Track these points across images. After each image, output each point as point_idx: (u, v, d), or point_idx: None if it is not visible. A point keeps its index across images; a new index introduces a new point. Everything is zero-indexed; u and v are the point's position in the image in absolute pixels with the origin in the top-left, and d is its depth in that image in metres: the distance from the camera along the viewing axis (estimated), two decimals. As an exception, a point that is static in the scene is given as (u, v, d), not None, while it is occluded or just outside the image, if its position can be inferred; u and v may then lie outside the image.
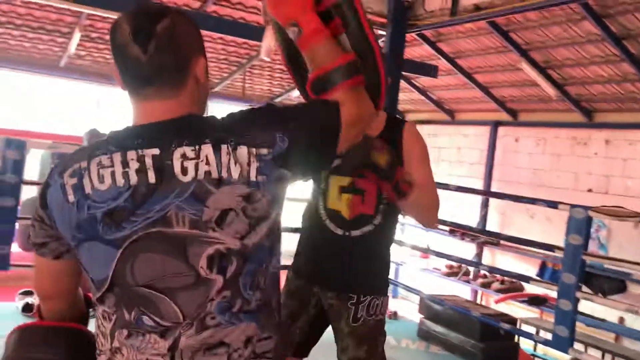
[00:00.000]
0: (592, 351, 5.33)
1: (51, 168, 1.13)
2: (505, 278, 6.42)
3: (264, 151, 1.06)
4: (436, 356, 4.43)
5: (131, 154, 1.05)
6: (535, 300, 6.02)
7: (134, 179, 1.04)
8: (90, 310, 1.27)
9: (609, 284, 5.66)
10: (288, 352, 2.02)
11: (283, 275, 1.42)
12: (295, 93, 8.15)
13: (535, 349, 5.91)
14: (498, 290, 6.50)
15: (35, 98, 12.99)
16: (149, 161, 1.04)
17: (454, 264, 6.97)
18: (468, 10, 5.33)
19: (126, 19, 1.08)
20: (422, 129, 8.37)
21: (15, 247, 4.63)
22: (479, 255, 7.44)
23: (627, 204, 4.41)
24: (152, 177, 1.04)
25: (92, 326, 1.21)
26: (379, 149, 1.74)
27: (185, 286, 1.05)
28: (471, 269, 7.08)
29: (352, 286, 1.99)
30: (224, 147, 1.05)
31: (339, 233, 1.98)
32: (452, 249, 6.60)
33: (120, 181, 1.04)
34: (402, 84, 6.87)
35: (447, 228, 7.10)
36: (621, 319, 5.95)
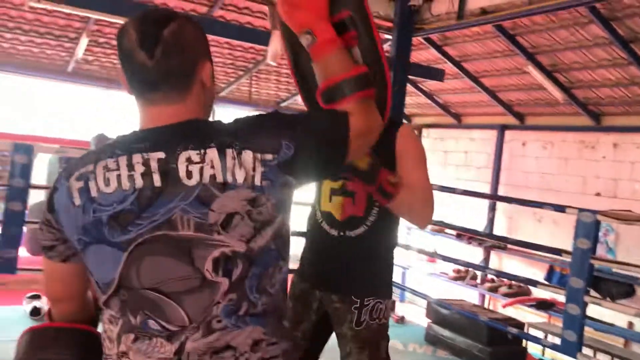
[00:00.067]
0: (600, 356, 5.30)
1: (59, 172, 1.14)
2: (513, 282, 6.39)
3: (269, 157, 1.07)
4: (443, 361, 4.42)
5: (137, 158, 1.05)
6: (543, 305, 5.99)
7: (139, 182, 1.05)
8: (99, 314, 1.28)
9: (618, 288, 5.63)
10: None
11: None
12: (302, 97, 8.15)
13: (543, 354, 5.88)
14: (505, 295, 6.47)
15: (37, 100, 13.06)
16: (154, 165, 1.05)
17: (461, 268, 6.95)
18: (474, 14, 5.32)
19: (133, 25, 1.09)
20: (429, 133, 8.36)
21: (22, 251, 4.64)
22: (486, 259, 7.41)
23: (636, 208, 4.39)
24: (157, 181, 1.04)
25: (101, 329, 1.22)
26: None
27: (191, 289, 1.05)
28: (478, 273, 7.05)
29: (352, 288, 1.99)
30: (229, 151, 1.05)
31: (334, 234, 2.00)
32: (459, 253, 6.58)
33: (125, 184, 1.05)
34: (409, 87, 6.87)
35: (454, 232, 7.10)
36: (630, 324, 5.91)
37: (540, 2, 4.77)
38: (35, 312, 4.29)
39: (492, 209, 7.46)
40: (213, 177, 1.04)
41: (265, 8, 5.45)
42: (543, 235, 6.43)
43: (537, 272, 6.49)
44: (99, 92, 8.81)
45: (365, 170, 1.74)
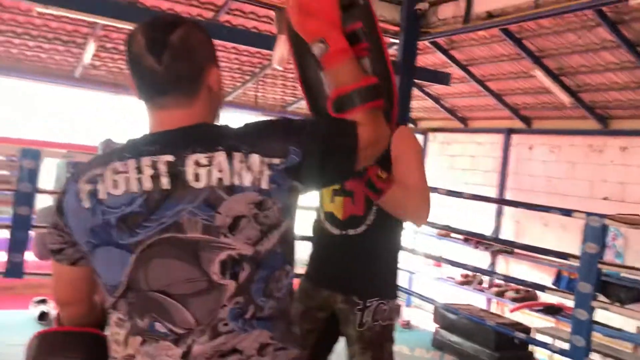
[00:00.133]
0: (609, 361, 5.25)
1: (68, 176, 1.15)
2: (520, 287, 6.36)
3: (276, 161, 1.08)
4: (450, 366, 4.40)
5: (145, 161, 1.07)
6: (551, 310, 5.95)
7: (147, 185, 1.06)
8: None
9: (626, 293, 5.58)
10: None
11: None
12: (308, 102, 8.15)
13: (551, 359, 5.84)
14: (513, 299, 6.44)
15: (45, 105, 13.14)
16: (162, 167, 1.06)
17: (468, 272, 6.92)
18: (481, 17, 5.32)
19: (141, 30, 1.11)
20: (435, 137, 8.35)
21: (30, 256, 4.66)
22: (493, 263, 7.38)
23: (644, 212, 4.35)
24: (165, 184, 1.06)
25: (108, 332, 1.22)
26: None
27: (198, 292, 1.06)
28: (485, 277, 7.02)
29: (355, 288, 2.00)
30: (236, 154, 1.06)
31: (336, 233, 2.03)
32: (466, 257, 6.55)
33: (134, 187, 1.06)
34: (415, 91, 6.86)
35: (461, 237, 7.07)
36: (639, 329, 5.86)
37: (547, 5, 4.76)
38: (42, 316, 4.30)
39: (499, 213, 7.43)
40: (220, 180, 1.05)
41: (271, 13, 5.47)
42: (550, 239, 6.40)
43: (544, 277, 6.44)
44: (107, 97, 8.85)
45: None
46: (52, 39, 6.46)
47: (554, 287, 5.85)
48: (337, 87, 1.21)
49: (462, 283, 7.11)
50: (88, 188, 1.08)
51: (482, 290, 6.96)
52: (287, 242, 1.13)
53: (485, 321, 4.30)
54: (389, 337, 2.04)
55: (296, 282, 1.31)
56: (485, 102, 7.48)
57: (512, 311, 6.31)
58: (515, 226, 7.36)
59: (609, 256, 5.76)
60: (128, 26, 5.13)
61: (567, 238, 6.18)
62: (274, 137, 1.11)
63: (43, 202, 5.59)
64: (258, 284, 1.08)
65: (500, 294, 6.65)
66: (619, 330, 5.28)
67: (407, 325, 5.17)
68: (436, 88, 7.75)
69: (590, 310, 3.42)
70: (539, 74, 5.99)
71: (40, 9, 4.74)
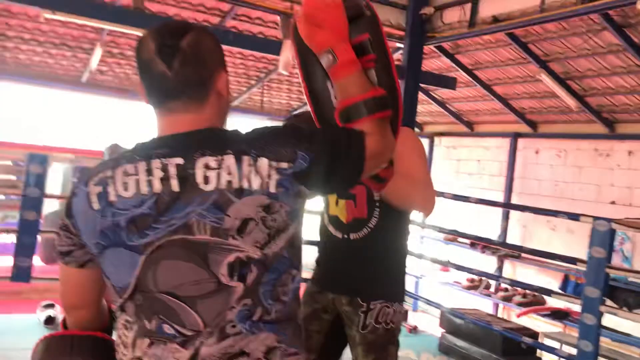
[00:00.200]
0: (617, 366, 5.21)
1: (77, 178, 1.17)
2: (527, 291, 6.33)
3: (285, 165, 1.09)
4: (457, 371, 4.38)
5: (155, 163, 1.08)
6: (558, 314, 5.93)
7: (157, 187, 1.07)
8: (113, 323, 1.29)
9: (634, 298, 5.55)
10: None
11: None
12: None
13: (558, 364, 5.81)
14: (520, 304, 6.41)
15: (52, 110, 13.21)
16: (172, 170, 1.07)
17: (475, 277, 6.90)
18: (486, 22, 5.31)
19: (151, 36, 1.12)
20: (441, 142, 8.33)
21: (37, 260, 4.68)
22: (500, 268, 7.35)
23: (652, 216, 4.33)
24: (175, 186, 1.07)
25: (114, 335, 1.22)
26: None
27: (206, 293, 1.06)
28: (492, 282, 7.00)
29: (358, 290, 2.01)
30: (245, 158, 1.07)
31: (339, 237, 2.05)
32: (472, 262, 6.53)
33: (144, 189, 1.07)
34: (421, 96, 6.86)
35: (467, 241, 7.05)
36: (647, 334, 5.83)
37: (553, 9, 4.76)
38: (49, 320, 4.31)
39: (506, 217, 7.41)
40: (230, 182, 1.06)
41: (277, 18, 5.48)
42: (557, 244, 6.37)
43: (551, 281, 6.42)
44: (113, 102, 8.89)
45: None
46: (60, 44, 6.51)
47: (561, 291, 5.83)
48: (344, 97, 1.22)
49: (469, 288, 7.09)
50: (98, 190, 1.10)
51: (489, 295, 6.94)
52: (294, 246, 1.14)
53: (492, 326, 4.28)
54: (392, 341, 2.04)
55: (303, 286, 1.32)
56: (491, 106, 7.47)
57: (519, 316, 6.28)
58: (522, 230, 7.34)
59: (616, 260, 5.73)
60: (134, 31, 5.16)
61: (574, 242, 6.15)
62: (282, 143, 1.12)
63: (50, 206, 5.62)
64: (266, 287, 1.09)
65: (507, 299, 6.62)
66: (627, 335, 5.24)
67: (414, 330, 5.15)
68: (442, 92, 7.75)
69: (598, 315, 3.40)
70: (545, 78, 5.98)
71: (47, 15, 4.77)
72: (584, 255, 3.60)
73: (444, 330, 4.79)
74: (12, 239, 4.19)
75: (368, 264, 2.03)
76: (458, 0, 5.53)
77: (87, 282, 1.19)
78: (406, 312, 5.77)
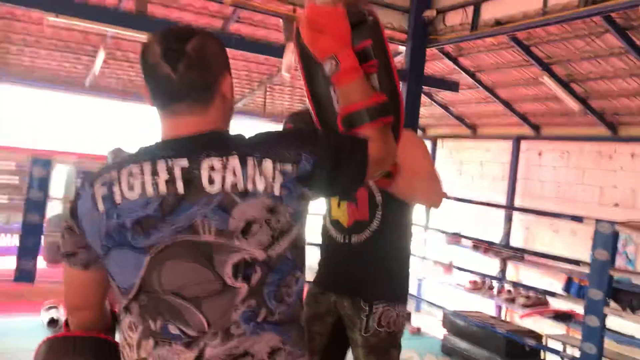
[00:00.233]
0: (621, 369, 5.20)
1: (82, 180, 1.17)
2: (530, 293, 6.32)
3: (289, 167, 1.10)
4: (460, 373, 4.38)
5: (161, 165, 1.09)
6: (562, 316, 5.91)
7: (163, 188, 1.08)
8: (116, 325, 1.29)
9: (638, 300, 5.54)
10: None
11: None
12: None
13: (562, 367, 5.79)
14: (523, 306, 6.38)
15: (56, 113, 13.25)
16: (177, 172, 1.08)
17: (478, 279, 6.88)
18: (489, 24, 5.32)
19: (156, 40, 1.13)
20: (444, 144, 8.30)
21: (40, 262, 4.69)
22: (503, 270, 7.34)
23: (655, 218, 4.32)
24: (180, 187, 1.08)
25: (118, 337, 1.23)
26: None
27: (211, 294, 1.07)
28: (495, 284, 6.98)
29: (361, 291, 2.02)
30: (249, 160, 1.09)
31: (340, 240, 2.06)
32: (475, 264, 6.52)
33: (149, 191, 1.08)
34: (423, 99, 6.86)
35: (470, 243, 7.04)
36: (651, 336, 5.81)
37: (555, 12, 4.76)
38: (52, 322, 4.32)
39: (509, 219, 7.40)
40: (234, 184, 1.07)
41: (280, 21, 5.50)
42: (560, 246, 6.36)
43: (554, 283, 6.41)
44: (116, 105, 8.92)
45: None
46: (63, 48, 6.53)
47: (564, 293, 5.82)
48: (347, 104, 1.24)
49: (472, 289, 7.07)
50: (103, 191, 1.10)
51: (491, 297, 6.92)
52: (298, 247, 1.14)
53: (495, 328, 4.28)
54: (394, 344, 2.04)
55: (305, 287, 1.32)
56: (494, 109, 7.47)
57: (522, 317, 6.27)
58: (525, 232, 7.33)
59: (619, 263, 5.72)
60: (137, 35, 5.18)
61: (577, 244, 6.14)
62: (286, 146, 1.13)
63: (53, 209, 5.64)
64: (270, 288, 1.10)
65: (510, 301, 6.60)
66: (631, 337, 5.23)
67: (417, 332, 5.14)
68: (444, 95, 7.75)
69: (602, 317, 3.40)
70: (547, 80, 5.98)
71: (51, 18, 4.79)
72: (587, 258, 3.60)
73: (447, 332, 4.79)
74: (15, 241, 4.20)
75: (370, 267, 2.02)
76: (460, 3, 5.53)
77: (91, 283, 1.20)
78: (409, 314, 5.77)
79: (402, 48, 5.95)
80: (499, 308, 7.18)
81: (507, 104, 7.14)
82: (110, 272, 1.13)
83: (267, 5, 5.35)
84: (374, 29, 1.32)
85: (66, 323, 1.27)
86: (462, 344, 4.54)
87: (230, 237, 1.06)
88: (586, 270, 3.58)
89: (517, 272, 7.31)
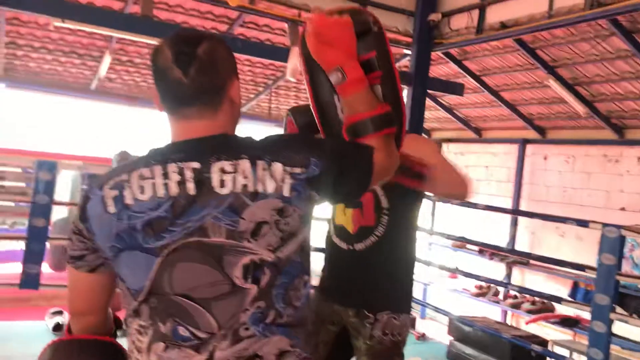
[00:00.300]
0: (628, 375, 5.17)
1: (89, 183, 1.19)
2: (536, 298, 6.29)
3: (298, 170, 1.12)
4: (466, 379, 4.35)
5: (172, 167, 1.10)
6: (568, 322, 5.88)
7: (174, 190, 1.09)
8: (117, 332, 1.29)
9: (645, 305, 5.50)
10: None
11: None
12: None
13: (568, 372, 5.76)
14: (529, 311, 6.36)
15: (61, 117, 13.30)
16: (189, 174, 1.10)
17: (483, 284, 6.86)
18: (494, 28, 5.31)
19: (167, 44, 1.15)
20: (449, 148, 8.29)
21: (45, 268, 4.70)
22: (509, 275, 7.31)
23: (662, 223, 4.28)
24: (191, 189, 1.09)
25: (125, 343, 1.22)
26: None
27: (221, 295, 1.08)
28: (501, 289, 6.96)
29: (365, 301, 2.00)
30: (259, 162, 1.10)
31: (343, 247, 2.04)
32: (481, 269, 6.50)
33: (160, 192, 1.09)
34: (428, 102, 6.85)
35: (475, 248, 7.02)
36: (658, 342, 5.77)
37: (561, 15, 4.74)
38: (57, 327, 4.33)
39: (514, 224, 7.37)
40: (245, 186, 1.09)
41: (285, 25, 5.50)
42: (566, 250, 6.33)
43: (560, 289, 6.37)
44: (122, 109, 8.95)
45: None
46: (69, 52, 6.55)
47: (570, 299, 5.78)
48: (352, 114, 1.27)
49: (477, 295, 7.05)
50: (114, 194, 1.11)
51: (497, 302, 6.90)
52: (305, 251, 1.16)
53: (501, 333, 4.25)
54: (398, 353, 2.03)
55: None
56: (499, 112, 7.45)
57: (527, 323, 6.24)
58: (530, 237, 7.30)
59: (626, 267, 5.68)
60: (143, 39, 5.19)
61: (583, 249, 6.11)
62: (296, 149, 1.15)
63: (59, 213, 5.64)
64: (278, 290, 1.11)
65: (516, 306, 6.58)
66: (638, 343, 5.19)
67: (422, 338, 5.12)
68: (449, 98, 7.74)
69: (608, 322, 3.37)
70: (553, 83, 5.96)
71: (57, 23, 4.81)
72: (593, 262, 3.58)
73: (453, 338, 4.77)
74: (21, 245, 4.20)
75: (374, 275, 2.01)
76: (466, 7, 5.53)
77: (97, 287, 1.20)
78: (414, 319, 5.75)
79: (408, 51, 5.94)
80: (505, 313, 7.15)
81: (512, 107, 7.12)
82: (120, 274, 1.14)
83: (272, 9, 5.35)
84: (379, 40, 1.34)
85: (68, 329, 1.26)
86: (468, 350, 4.52)
87: (240, 239, 1.08)
88: (592, 275, 3.55)
89: (523, 277, 7.28)
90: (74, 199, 6.28)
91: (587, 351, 3.51)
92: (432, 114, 8.33)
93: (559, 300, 4.20)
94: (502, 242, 7.21)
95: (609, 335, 3.39)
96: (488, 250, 6.80)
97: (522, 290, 6.12)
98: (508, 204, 7.45)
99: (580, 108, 6.16)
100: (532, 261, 6.62)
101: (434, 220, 6.88)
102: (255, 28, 6.09)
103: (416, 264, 2.18)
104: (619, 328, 4.09)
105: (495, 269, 7.12)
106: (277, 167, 1.10)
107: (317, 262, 1.95)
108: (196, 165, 1.10)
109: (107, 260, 1.15)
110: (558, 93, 6.11)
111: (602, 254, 3.41)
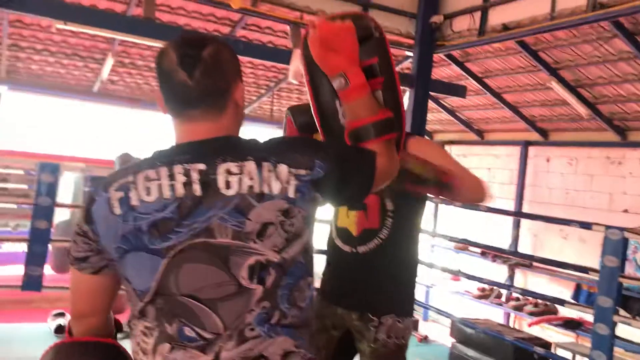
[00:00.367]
0: (631, 377, 5.15)
1: (94, 185, 1.19)
2: (539, 301, 6.28)
3: (303, 172, 1.13)
4: (468, 381, 4.34)
5: (178, 168, 1.11)
6: (571, 324, 5.87)
7: (180, 191, 1.10)
8: (118, 334, 1.29)
9: (648, 308, 5.48)
10: None
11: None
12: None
13: (571, 375, 5.74)
14: (531, 313, 6.35)
15: (63, 119, 13.32)
16: (195, 175, 1.10)
17: (486, 286, 6.85)
18: (496, 30, 5.30)
19: (172, 47, 1.16)
20: (451, 150, 8.29)
21: (48, 270, 4.70)
22: (511, 277, 7.29)
23: (665, 225, 4.27)
24: (197, 190, 1.10)
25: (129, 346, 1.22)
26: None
27: (227, 296, 1.09)
28: (503, 291, 6.94)
29: (369, 304, 1.99)
30: (265, 164, 1.11)
31: (346, 250, 2.03)
32: (483, 271, 6.49)
33: (166, 193, 1.10)
34: (431, 104, 6.84)
35: (478, 250, 7.01)
36: (661, 344, 5.75)
37: (563, 17, 4.74)
38: (60, 329, 4.33)
39: (517, 226, 7.36)
40: (251, 187, 1.09)
41: (287, 27, 5.50)
42: (569, 253, 6.32)
43: (563, 291, 6.36)
44: (124, 111, 8.96)
45: (421, 174, 1.76)
46: (71, 54, 6.56)
47: (573, 301, 5.77)
48: (354, 119, 1.29)
49: (480, 297, 7.04)
50: (119, 195, 1.12)
51: (500, 304, 6.88)
52: (308, 252, 1.17)
53: (503, 336, 4.24)
54: (402, 356, 2.03)
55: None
56: (502, 114, 7.44)
57: (530, 325, 6.23)
58: (533, 239, 7.28)
59: (629, 270, 5.67)
60: (145, 41, 5.20)
61: (586, 251, 6.10)
62: (300, 151, 1.16)
63: (61, 215, 5.65)
64: (283, 290, 1.12)
65: (519, 308, 6.57)
66: (641, 345, 5.18)
67: (425, 340, 5.12)
68: (452, 100, 7.73)
69: (611, 324, 3.37)
70: (555, 85, 5.95)
71: (59, 25, 4.82)
72: (596, 264, 3.57)
73: (455, 340, 4.76)
74: (23, 248, 4.20)
75: (378, 278, 2.00)
76: (468, 9, 5.52)
77: (99, 289, 1.20)
78: (416, 322, 5.74)
79: (410, 53, 5.94)
80: (507, 316, 7.14)
81: (515, 110, 7.11)
82: (126, 275, 1.14)
83: (274, 11, 5.36)
84: (381, 45, 1.36)
85: (69, 331, 1.26)
86: (470, 352, 4.51)
87: (246, 240, 1.09)
88: (595, 277, 3.54)
89: (526, 280, 7.27)
90: (77, 201, 6.29)
91: (590, 353, 3.50)
92: (435, 116, 8.32)
93: (561, 302, 4.19)
94: (505, 244, 7.20)
95: (612, 337, 3.38)
96: (490, 252, 6.79)
97: (525, 292, 6.10)
98: (510, 206, 7.44)
99: (582, 110, 6.15)
100: (534, 263, 6.61)
101: (437, 223, 6.88)
102: (258, 30, 6.10)
103: (419, 266, 2.17)
104: (622, 330, 4.08)
105: (498, 271, 7.11)
106: (283, 168, 1.11)
107: (318, 265, 1.95)
108: (202, 166, 1.10)
109: (111, 262, 1.15)
110: (560, 95, 6.10)
111: (605, 256, 3.41)
